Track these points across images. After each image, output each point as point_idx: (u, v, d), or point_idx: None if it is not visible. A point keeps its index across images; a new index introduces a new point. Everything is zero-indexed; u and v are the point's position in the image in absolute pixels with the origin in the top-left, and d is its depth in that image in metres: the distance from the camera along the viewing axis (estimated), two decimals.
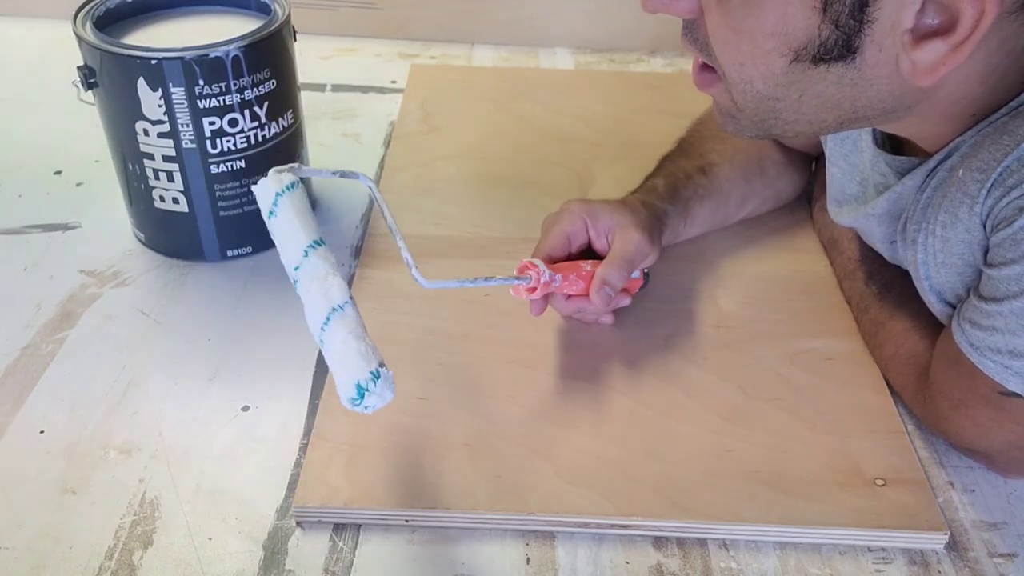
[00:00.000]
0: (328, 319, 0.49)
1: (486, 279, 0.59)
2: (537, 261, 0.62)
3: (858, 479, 0.57)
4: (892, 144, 0.62)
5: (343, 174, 0.55)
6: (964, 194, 0.51)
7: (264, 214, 0.52)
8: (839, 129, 0.55)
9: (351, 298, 0.51)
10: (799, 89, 0.50)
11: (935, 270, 0.56)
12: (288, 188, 0.52)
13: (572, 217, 0.67)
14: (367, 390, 0.48)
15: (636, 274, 0.67)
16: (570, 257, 0.67)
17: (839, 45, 0.47)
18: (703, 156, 0.76)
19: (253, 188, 0.53)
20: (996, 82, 0.50)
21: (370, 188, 0.54)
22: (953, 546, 0.55)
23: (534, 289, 0.61)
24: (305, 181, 0.79)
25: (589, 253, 0.67)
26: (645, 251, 0.66)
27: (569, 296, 0.65)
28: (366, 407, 0.48)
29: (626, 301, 0.68)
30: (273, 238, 0.53)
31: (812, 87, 0.50)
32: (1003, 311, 0.50)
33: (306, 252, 0.51)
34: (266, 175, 0.52)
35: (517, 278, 0.61)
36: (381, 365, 0.49)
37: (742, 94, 0.53)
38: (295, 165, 0.53)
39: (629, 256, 0.64)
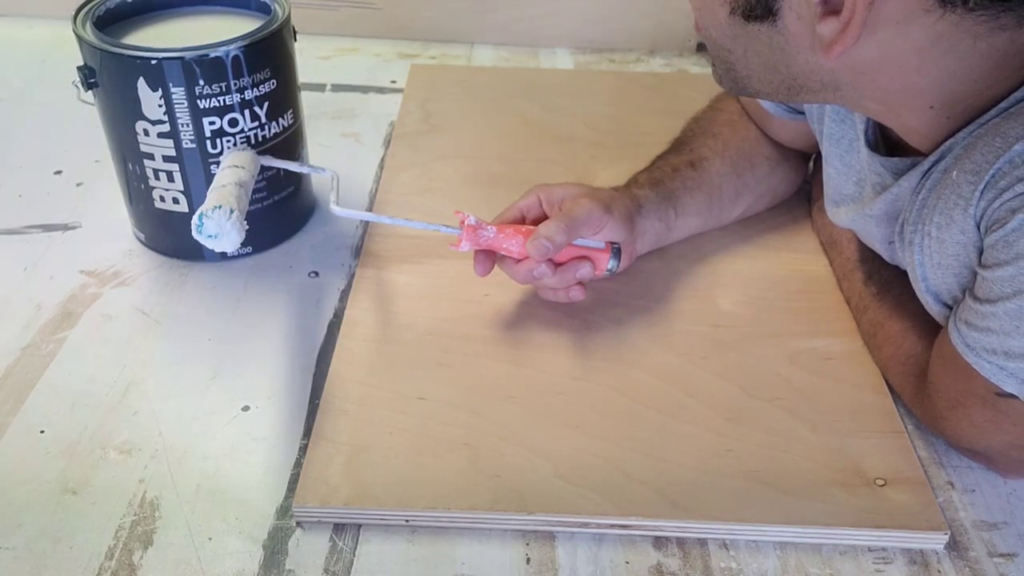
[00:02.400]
0: (222, 166, 0.65)
1: (407, 220, 0.63)
2: (466, 213, 0.64)
3: (858, 479, 0.57)
4: (887, 147, 0.62)
5: (310, 169, 0.71)
6: (958, 196, 0.52)
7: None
8: (792, 98, 0.57)
9: (248, 175, 0.66)
10: (742, 45, 0.54)
11: (931, 271, 0.56)
12: (237, 150, 0.69)
13: (527, 195, 0.69)
14: (205, 215, 0.60)
15: (600, 244, 0.66)
16: None
17: (760, 5, 0.51)
18: (693, 151, 0.76)
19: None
20: (942, 79, 0.51)
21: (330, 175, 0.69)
22: (953, 546, 0.55)
23: (461, 240, 0.63)
24: (301, 177, 0.79)
25: None
26: (593, 215, 0.65)
27: (519, 261, 0.65)
28: (209, 236, 0.60)
29: (589, 271, 0.66)
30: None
31: (752, 45, 0.53)
32: (997, 312, 0.50)
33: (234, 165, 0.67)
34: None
35: (448, 227, 0.63)
36: (232, 211, 0.60)
37: (706, 39, 0.57)
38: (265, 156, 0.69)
39: (573, 215, 0.65)
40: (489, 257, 0.67)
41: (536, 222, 0.67)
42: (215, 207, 0.60)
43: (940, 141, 0.54)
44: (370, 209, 0.83)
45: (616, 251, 0.67)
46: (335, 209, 0.65)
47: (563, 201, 0.67)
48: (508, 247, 0.65)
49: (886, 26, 0.48)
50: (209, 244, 0.61)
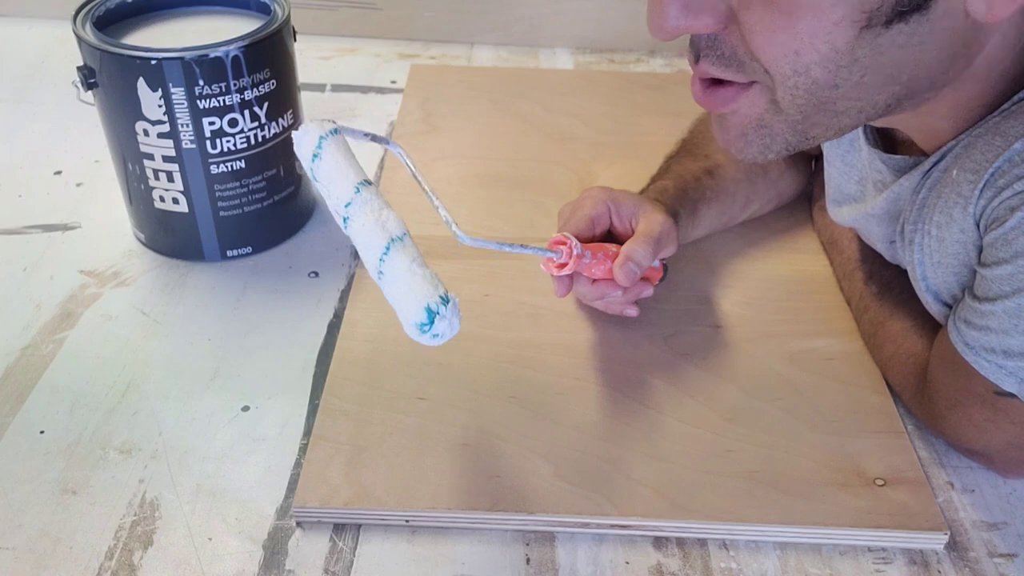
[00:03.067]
0: (388, 248, 0.47)
1: (523, 246, 0.57)
2: (569, 235, 0.61)
3: (858, 479, 0.57)
4: (887, 146, 0.62)
5: (374, 138, 0.54)
6: (958, 195, 0.52)
7: (306, 160, 0.51)
8: (874, 117, 0.51)
9: (408, 233, 0.49)
10: (862, 68, 0.46)
11: (931, 270, 0.56)
12: (332, 132, 0.51)
13: (595, 202, 0.66)
14: (437, 314, 0.45)
15: (656, 263, 0.67)
16: (593, 242, 0.66)
17: None
18: (708, 157, 0.75)
19: (294, 134, 0.52)
20: (999, 77, 0.50)
21: (401, 155, 0.55)
22: (953, 546, 0.55)
23: (565, 264, 0.60)
24: (301, 177, 0.79)
25: (610, 240, 0.67)
26: (671, 234, 0.65)
27: (594, 281, 0.64)
28: (435, 335, 0.45)
29: (648, 291, 0.67)
30: (317, 183, 0.51)
31: (877, 59, 0.46)
32: (996, 311, 0.50)
33: (358, 188, 0.49)
34: (307, 124, 0.52)
35: (552, 251, 0.60)
36: (449, 295, 0.47)
37: (792, 90, 0.47)
38: (333, 120, 0.52)
39: (655, 234, 0.63)
40: (570, 279, 0.64)
41: (602, 234, 0.66)
42: (442, 299, 0.46)
43: (946, 140, 0.54)
44: None
45: (666, 268, 0.69)
46: (466, 239, 0.52)
47: (634, 217, 0.65)
48: (596, 272, 0.63)
49: None
50: (428, 343, 0.47)
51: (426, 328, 0.45)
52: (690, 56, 0.51)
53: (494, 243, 0.55)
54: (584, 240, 0.65)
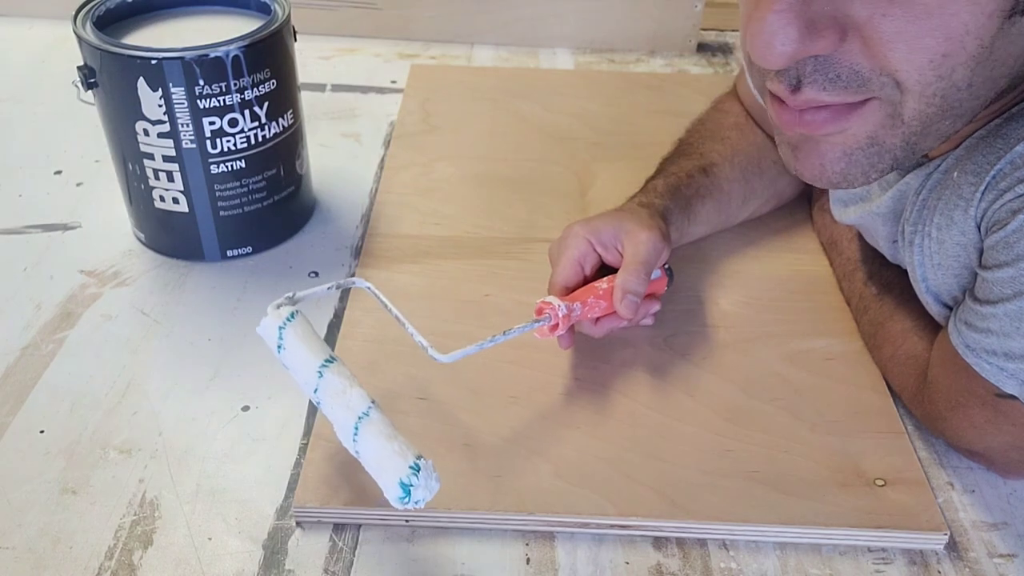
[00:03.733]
0: (357, 428, 0.50)
1: (504, 333, 0.57)
2: (551, 298, 0.61)
3: (858, 479, 0.57)
4: None
5: (338, 286, 0.58)
6: (958, 197, 0.52)
7: (273, 351, 0.55)
8: (972, 119, 0.48)
9: (374, 402, 0.51)
10: (995, 62, 0.43)
11: (931, 272, 0.56)
12: (288, 319, 0.54)
13: (576, 241, 0.65)
14: (411, 485, 0.47)
15: (657, 274, 0.66)
16: (586, 281, 0.65)
17: None
18: (703, 156, 0.75)
19: (257, 331, 0.55)
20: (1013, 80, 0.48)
21: (370, 290, 0.58)
22: (953, 546, 0.55)
23: (556, 327, 0.60)
24: (302, 176, 0.79)
25: (605, 270, 0.66)
26: (657, 248, 0.64)
27: (597, 319, 0.64)
28: (416, 502, 0.48)
29: (656, 306, 0.67)
30: (288, 371, 0.54)
31: (1007, 50, 0.42)
32: (997, 313, 0.50)
33: (320, 372, 0.52)
34: (266, 314, 0.55)
35: (536, 320, 0.60)
36: (418, 457, 0.48)
37: (928, 98, 0.44)
38: (291, 294, 0.56)
39: (642, 257, 0.63)
40: (571, 329, 0.64)
41: (593, 268, 0.65)
42: (413, 470, 0.47)
43: (953, 145, 0.54)
44: (371, 209, 0.82)
45: (670, 271, 0.68)
46: (442, 358, 0.54)
47: (618, 241, 0.64)
48: (593, 315, 0.63)
49: None
50: (414, 508, 0.49)
51: (406, 500, 0.48)
52: (781, 86, 0.46)
53: (474, 347, 0.56)
54: (577, 284, 0.64)
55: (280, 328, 0.54)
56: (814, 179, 0.50)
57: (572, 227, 0.66)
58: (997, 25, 0.41)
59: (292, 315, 0.54)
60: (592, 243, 0.65)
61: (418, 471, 0.47)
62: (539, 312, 0.60)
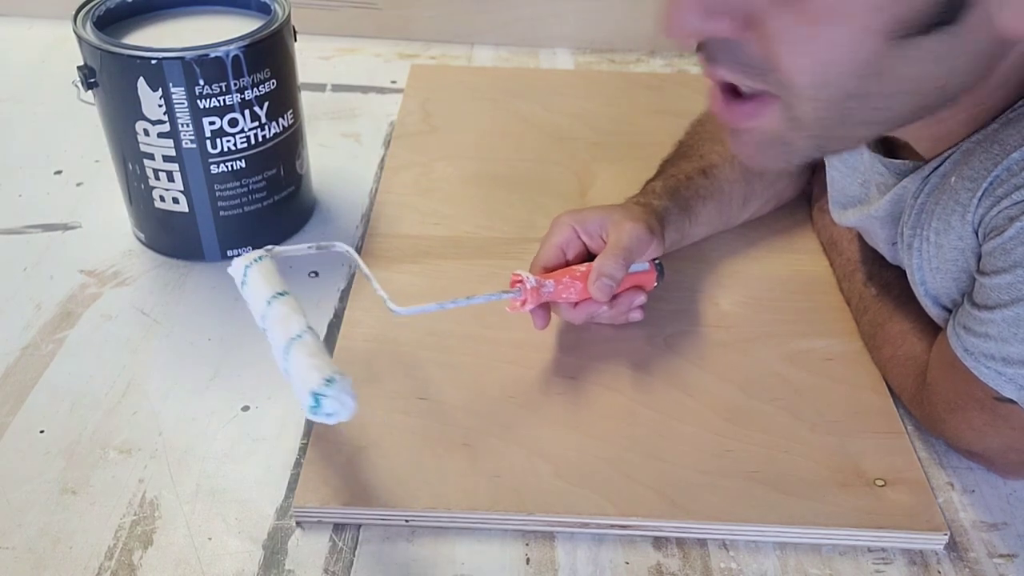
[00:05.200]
0: (288, 348, 0.52)
1: (468, 298, 0.59)
2: (522, 272, 0.61)
3: (858, 479, 0.57)
4: (885, 148, 0.62)
5: (319, 247, 0.61)
6: (956, 202, 0.52)
7: (239, 288, 0.58)
8: (894, 128, 0.51)
9: (310, 328, 0.53)
10: (888, 79, 0.44)
11: (930, 275, 0.56)
12: (256, 260, 0.58)
13: (561, 228, 0.66)
14: (322, 395, 0.48)
15: (645, 266, 0.66)
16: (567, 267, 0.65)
17: (947, 6, 0.42)
18: (703, 157, 0.75)
19: (228, 270, 0.59)
20: (1004, 84, 0.49)
21: (348, 252, 0.61)
22: (953, 547, 0.55)
23: (524, 301, 0.60)
24: (301, 176, 0.79)
25: (590, 260, 0.66)
26: (642, 239, 0.64)
27: (576, 304, 0.64)
28: (328, 414, 0.49)
29: (641, 297, 0.66)
30: (248, 306, 0.57)
31: (903, 70, 0.44)
32: (995, 319, 0.50)
33: (269, 302, 0.55)
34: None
35: (506, 292, 0.60)
36: (337, 373, 0.49)
37: (815, 102, 0.46)
38: (269, 248, 0.60)
39: (624, 244, 0.63)
40: (545, 309, 0.64)
41: (578, 256, 0.66)
42: (326, 381, 0.49)
43: (945, 148, 0.54)
44: (371, 209, 0.83)
45: (660, 267, 0.67)
46: (398, 310, 0.57)
47: (603, 231, 0.65)
48: (568, 296, 0.63)
49: None
50: (328, 421, 0.50)
51: (316, 410, 0.49)
52: (701, 58, 0.49)
53: (433, 305, 0.58)
54: (556, 268, 0.64)
55: (247, 267, 0.58)
56: (746, 162, 0.54)
57: (560, 215, 0.67)
58: (882, 43, 0.42)
59: (260, 258, 0.58)
60: (577, 231, 0.65)
61: (331, 383, 0.49)
62: (513, 285, 0.61)
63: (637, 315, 0.67)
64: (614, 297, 0.64)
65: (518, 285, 0.61)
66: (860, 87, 0.45)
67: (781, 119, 0.48)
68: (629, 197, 0.72)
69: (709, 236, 0.77)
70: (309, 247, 0.61)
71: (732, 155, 0.76)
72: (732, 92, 0.49)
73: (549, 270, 0.64)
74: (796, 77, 0.45)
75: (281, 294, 0.56)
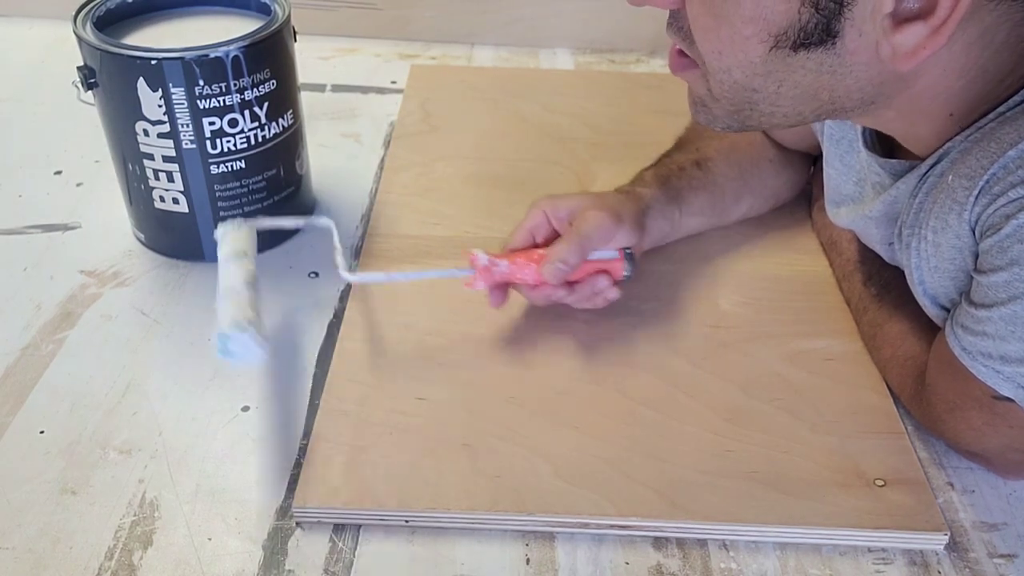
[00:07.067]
0: (225, 293, 0.58)
1: (420, 272, 0.60)
2: (475, 250, 0.62)
3: (858, 479, 0.57)
4: (884, 148, 0.62)
5: (306, 223, 0.69)
6: (953, 200, 0.52)
7: (218, 251, 0.64)
8: (815, 120, 0.55)
9: (252, 281, 0.60)
10: (777, 79, 0.50)
11: (928, 274, 0.56)
12: (234, 227, 0.65)
13: (533, 212, 0.67)
14: (228, 336, 0.55)
15: (614, 253, 0.66)
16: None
17: (819, 29, 0.47)
18: (699, 150, 0.76)
19: (214, 235, 0.65)
20: (975, 77, 0.50)
21: (331, 229, 0.67)
22: (953, 547, 0.55)
23: (476, 279, 0.62)
24: (301, 177, 0.79)
25: None
26: (604, 227, 0.64)
27: (535, 286, 0.65)
28: (232, 353, 0.55)
29: (603, 281, 0.65)
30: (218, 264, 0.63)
31: (791, 76, 0.50)
32: (993, 317, 0.50)
33: (228, 258, 0.62)
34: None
35: (460, 269, 0.62)
36: (250, 322, 0.55)
37: (719, 83, 0.52)
38: (254, 220, 0.67)
39: (583, 231, 0.63)
40: (502, 289, 0.65)
41: (548, 241, 0.66)
42: (234, 327, 0.55)
43: (933, 144, 0.54)
44: (371, 209, 0.82)
45: (629, 256, 0.67)
46: (347, 276, 0.64)
47: (571, 215, 0.65)
48: (523, 277, 0.64)
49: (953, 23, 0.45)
50: (235, 362, 0.56)
51: (222, 349, 0.55)
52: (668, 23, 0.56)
53: (383, 275, 0.63)
54: (525, 250, 0.65)
55: (225, 232, 0.65)
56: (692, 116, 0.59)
57: (538, 200, 0.68)
58: (764, 50, 0.49)
59: (238, 226, 0.65)
60: (548, 216, 0.66)
61: (239, 328, 0.55)
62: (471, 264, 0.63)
63: (613, 294, 0.66)
64: (576, 282, 0.65)
65: (471, 263, 0.62)
66: (755, 83, 0.51)
67: (702, 86, 0.55)
68: (618, 186, 0.72)
69: (706, 233, 0.77)
70: (296, 223, 0.69)
71: (728, 150, 0.76)
72: (680, 52, 0.56)
73: (517, 252, 0.65)
74: (705, 56, 0.52)
75: (244, 255, 0.62)
